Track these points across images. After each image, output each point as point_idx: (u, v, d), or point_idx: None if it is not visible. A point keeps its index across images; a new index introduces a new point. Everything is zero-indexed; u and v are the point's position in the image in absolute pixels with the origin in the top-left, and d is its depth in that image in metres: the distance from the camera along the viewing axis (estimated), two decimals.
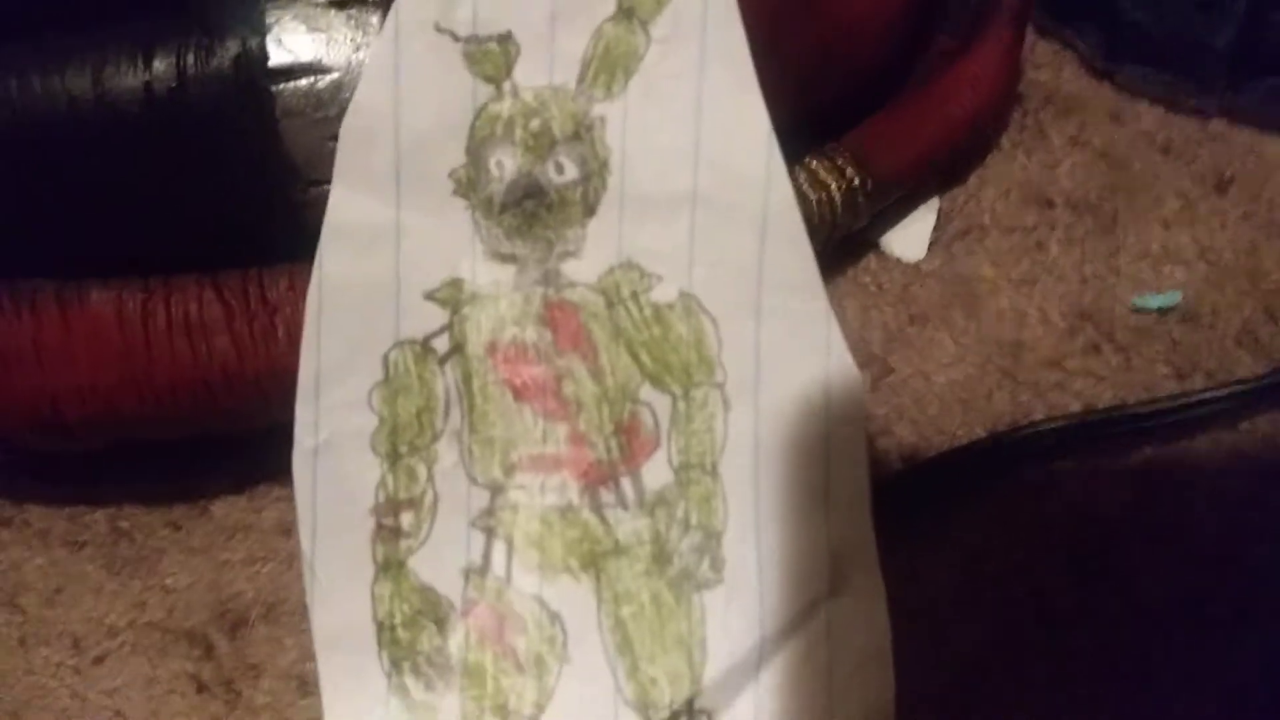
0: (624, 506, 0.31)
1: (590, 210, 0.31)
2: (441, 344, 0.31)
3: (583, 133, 0.31)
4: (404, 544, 0.31)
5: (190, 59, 0.32)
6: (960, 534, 0.35)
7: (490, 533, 0.31)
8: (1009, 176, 0.41)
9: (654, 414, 0.31)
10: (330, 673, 0.31)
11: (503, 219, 0.31)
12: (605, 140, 0.31)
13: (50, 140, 0.32)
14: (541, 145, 0.31)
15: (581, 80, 0.31)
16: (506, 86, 0.31)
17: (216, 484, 0.37)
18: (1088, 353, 0.38)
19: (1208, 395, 0.36)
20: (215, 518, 0.36)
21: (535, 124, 0.31)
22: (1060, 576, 0.34)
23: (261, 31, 0.32)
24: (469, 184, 0.31)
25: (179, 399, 0.33)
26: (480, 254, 0.31)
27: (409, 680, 0.31)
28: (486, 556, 0.31)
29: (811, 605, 0.30)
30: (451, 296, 0.31)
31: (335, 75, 0.32)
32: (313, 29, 0.32)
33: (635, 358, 0.31)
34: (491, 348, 0.31)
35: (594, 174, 0.31)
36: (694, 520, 0.30)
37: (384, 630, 0.31)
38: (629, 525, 0.31)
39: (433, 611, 0.31)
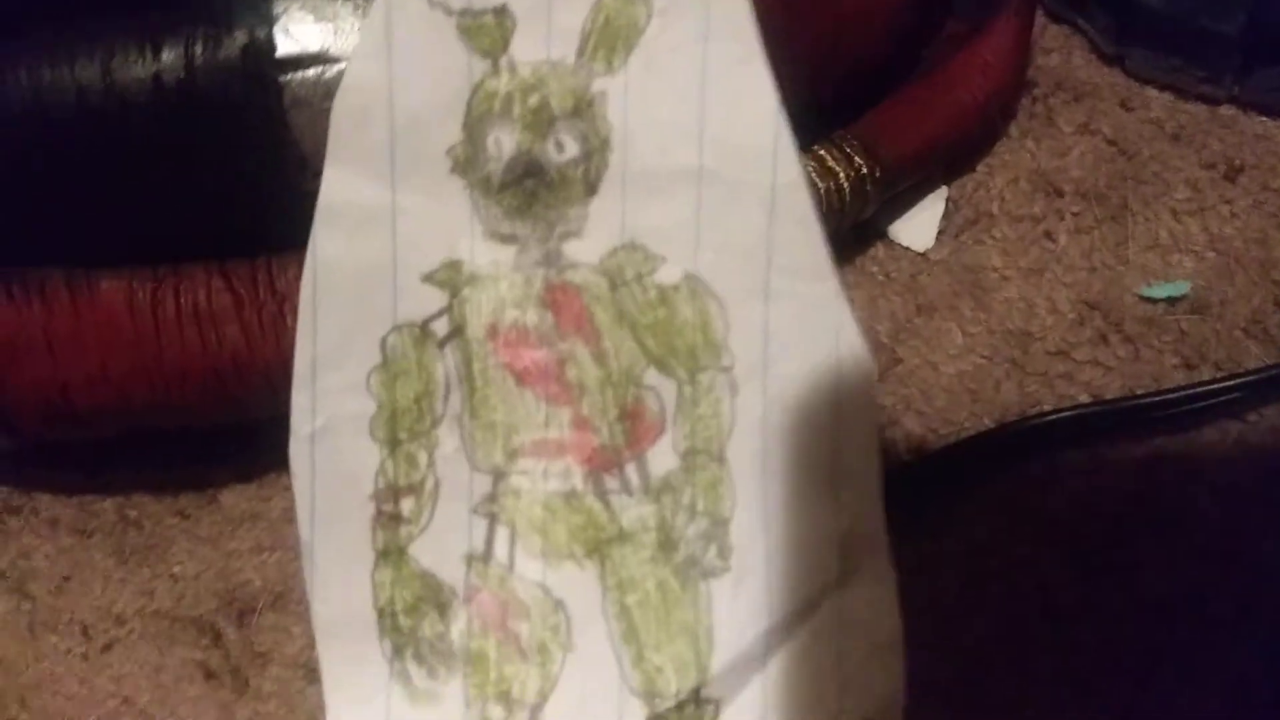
0: (629, 493, 0.30)
1: (592, 189, 0.30)
2: (441, 327, 0.30)
3: (583, 109, 0.30)
4: (404, 530, 0.30)
5: (198, 49, 0.32)
6: (965, 526, 0.34)
7: (492, 519, 0.30)
8: (1017, 164, 0.40)
9: (659, 399, 0.30)
10: (331, 661, 0.30)
11: (502, 198, 0.30)
12: (606, 116, 0.30)
13: (59, 131, 0.32)
14: (541, 122, 0.30)
15: (581, 54, 0.30)
16: (503, 61, 0.30)
17: (225, 473, 0.36)
18: (1096, 343, 0.37)
19: (1216, 386, 0.35)
20: (223, 506, 0.36)
21: (534, 100, 0.30)
22: (1065, 570, 0.34)
23: (269, 22, 0.32)
24: (466, 162, 0.30)
25: (189, 388, 0.32)
26: (479, 234, 0.30)
27: (411, 667, 0.30)
28: (489, 543, 0.30)
29: (821, 593, 0.29)
30: (450, 278, 0.30)
31: (343, 65, 0.32)
32: (320, 19, 0.32)
33: (640, 341, 0.30)
34: (492, 331, 0.30)
35: (595, 151, 0.30)
36: (700, 507, 0.29)
37: (385, 617, 0.30)
38: (634, 512, 0.30)
39: (434, 598, 0.30)
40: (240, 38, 0.32)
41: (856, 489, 0.29)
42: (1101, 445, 0.35)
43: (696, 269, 0.30)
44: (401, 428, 0.30)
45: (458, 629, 0.30)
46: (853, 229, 0.38)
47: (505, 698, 0.30)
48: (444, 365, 0.31)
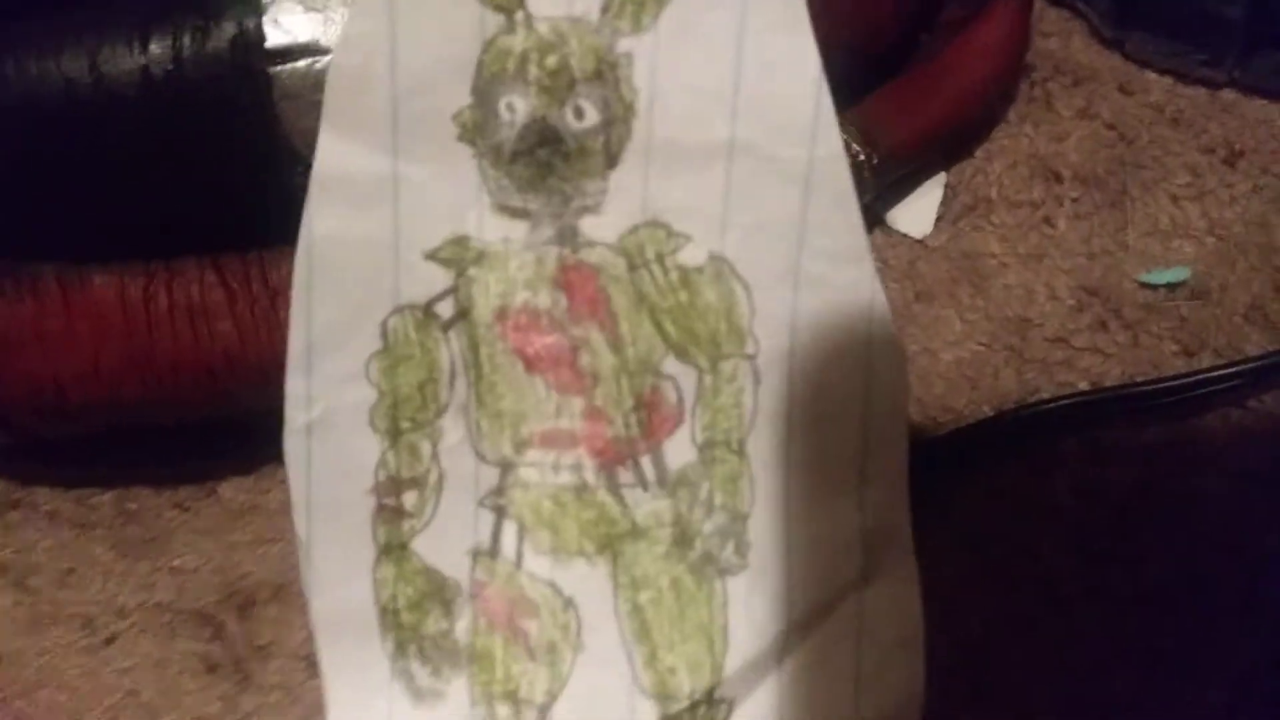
0: (643, 486, 0.28)
1: (612, 160, 0.28)
2: (445, 309, 0.29)
3: (606, 71, 0.27)
4: (407, 525, 0.29)
5: (187, 41, 0.31)
6: (967, 514, 0.34)
7: (500, 513, 0.29)
8: (1016, 150, 0.39)
9: (678, 388, 0.28)
10: (331, 659, 0.29)
11: (513, 169, 0.28)
12: (632, 80, 0.27)
13: (47, 124, 0.32)
14: (559, 85, 0.28)
15: (606, 10, 0.27)
16: (519, 16, 0.27)
17: (223, 466, 0.36)
18: (1095, 330, 0.36)
19: (1216, 373, 0.35)
20: (223, 499, 0.36)
21: (552, 61, 0.28)
22: (1067, 557, 0.33)
23: (258, 12, 0.31)
24: (475, 129, 0.28)
25: (181, 382, 0.32)
26: (488, 208, 0.28)
27: (414, 665, 0.29)
28: (496, 538, 0.29)
29: (841, 592, 0.27)
30: (456, 256, 0.28)
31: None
32: (310, 9, 0.31)
33: (659, 326, 0.28)
34: (501, 314, 0.28)
35: (618, 119, 0.28)
36: (718, 501, 0.28)
37: (387, 614, 0.29)
38: (648, 506, 0.28)
39: (438, 594, 0.29)
40: (229, 29, 0.31)
41: (884, 484, 0.27)
42: (1101, 433, 0.35)
43: (723, 249, 0.28)
44: (403, 417, 0.29)
45: (463, 626, 0.29)
46: None
47: (513, 697, 0.29)
48: (449, 350, 0.29)
